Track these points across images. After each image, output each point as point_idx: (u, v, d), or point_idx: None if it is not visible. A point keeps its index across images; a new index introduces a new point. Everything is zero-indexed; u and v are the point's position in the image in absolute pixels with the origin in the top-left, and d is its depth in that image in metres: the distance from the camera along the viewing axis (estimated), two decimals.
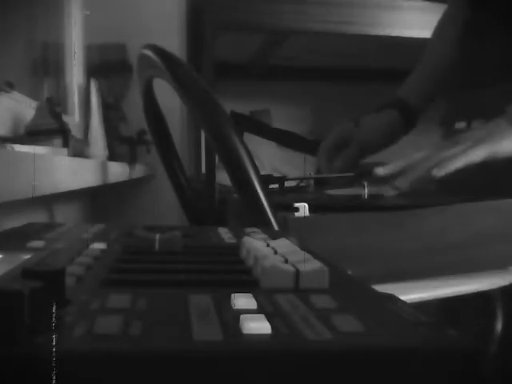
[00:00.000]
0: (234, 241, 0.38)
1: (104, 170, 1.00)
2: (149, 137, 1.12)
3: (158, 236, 0.34)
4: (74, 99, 1.43)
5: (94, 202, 1.44)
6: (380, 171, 0.80)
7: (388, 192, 0.86)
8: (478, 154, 0.75)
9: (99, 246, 0.33)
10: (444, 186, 0.96)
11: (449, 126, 1.00)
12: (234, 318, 0.20)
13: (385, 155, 1.01)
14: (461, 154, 0.75)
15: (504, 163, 0.76)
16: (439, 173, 0.75)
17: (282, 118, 2.47)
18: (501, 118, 0.77)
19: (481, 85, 0.90)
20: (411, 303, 0.22)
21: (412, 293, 0.65)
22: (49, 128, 0.92)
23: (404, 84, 1.04)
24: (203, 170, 1.59)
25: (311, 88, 2.51)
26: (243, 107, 2.25)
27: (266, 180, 0.86)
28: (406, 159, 0.81)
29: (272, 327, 0.19)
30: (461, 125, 0.98)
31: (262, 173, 0.59)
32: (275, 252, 0.29)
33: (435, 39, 1.05)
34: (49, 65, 1.34)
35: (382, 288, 0.25)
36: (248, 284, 0.25)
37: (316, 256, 0.28)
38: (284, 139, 2.13)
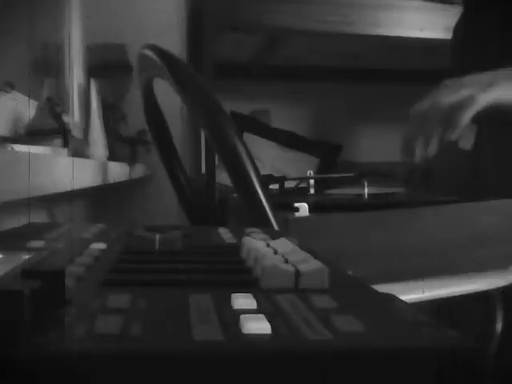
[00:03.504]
0: (234, 241, 0.38)
1: (104, 170, 1.00)
2: (149, 137, 1.11)
3: (158, 236, 0.34)
4: (74, 99, 1.43)
5: (94, 202, 1.44)
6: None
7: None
8: (485, 99, 0.71)
9: (99, 245, 0.33)
10: (436, 184, 0.96)
11: None
12: (234, 318, 0.20)
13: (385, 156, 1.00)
14: (469, 100, 0.70)
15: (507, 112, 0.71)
16: (453, 134, 0.71)
17: (282, 118, 2.47)
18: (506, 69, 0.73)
19: None
20: (411, 303, 0.22)
21: (412, 293, 0.65)
22: (49, 128, 0.92)
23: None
24: (203, 169, 1.59)
25: (311, 88, 2.51)
26: (243, 107, 2.25)
27: (266, 180, 0.85)
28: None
29: (272, 327, 0.19)
30: None
31: (262, 173, 0.59)
32: (275, 252, 0.29)
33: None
34: (49, 65, 1.34)
35: (381, 288, 0.25)
36: (248, 284, 0.25)
37: (316, 256, 0.28)
38: (284, 139, 2.13)
